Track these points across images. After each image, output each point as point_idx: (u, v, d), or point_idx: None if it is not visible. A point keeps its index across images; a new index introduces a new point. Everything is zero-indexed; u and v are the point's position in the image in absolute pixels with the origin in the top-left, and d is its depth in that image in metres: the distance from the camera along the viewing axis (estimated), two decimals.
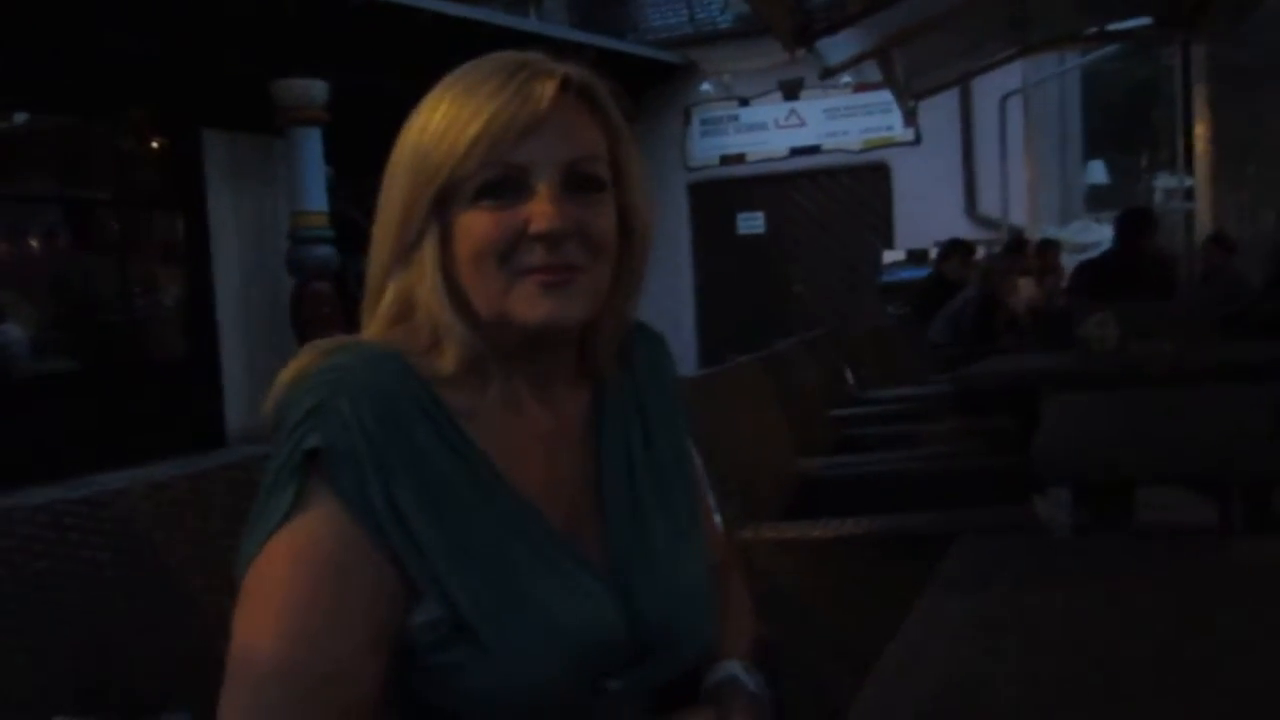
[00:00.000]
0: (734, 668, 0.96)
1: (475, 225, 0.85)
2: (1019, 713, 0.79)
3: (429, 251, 0.86)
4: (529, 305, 0.85)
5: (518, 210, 0.85)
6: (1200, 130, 7.61)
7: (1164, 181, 9.64)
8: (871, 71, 6.76)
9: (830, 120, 10.69)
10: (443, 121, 0.85)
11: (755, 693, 0.95)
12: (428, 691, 0.82)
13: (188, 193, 8.19)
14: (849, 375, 4.16)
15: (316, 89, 7.51)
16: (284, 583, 0.78)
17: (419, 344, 0.87)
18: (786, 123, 10.90)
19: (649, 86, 10.98)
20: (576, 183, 0.86)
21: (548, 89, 0.85)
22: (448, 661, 0.81)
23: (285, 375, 0.84)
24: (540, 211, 0.84)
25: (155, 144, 8.30)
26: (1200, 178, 7.76)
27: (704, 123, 11.23)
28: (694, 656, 0.93)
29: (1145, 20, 6.65)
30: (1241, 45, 6.78)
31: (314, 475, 0.79)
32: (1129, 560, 1.22)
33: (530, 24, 9.60)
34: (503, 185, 0.85)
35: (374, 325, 0.89)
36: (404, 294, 0.87)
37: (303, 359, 0.84)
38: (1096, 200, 10.53)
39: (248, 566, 0.79)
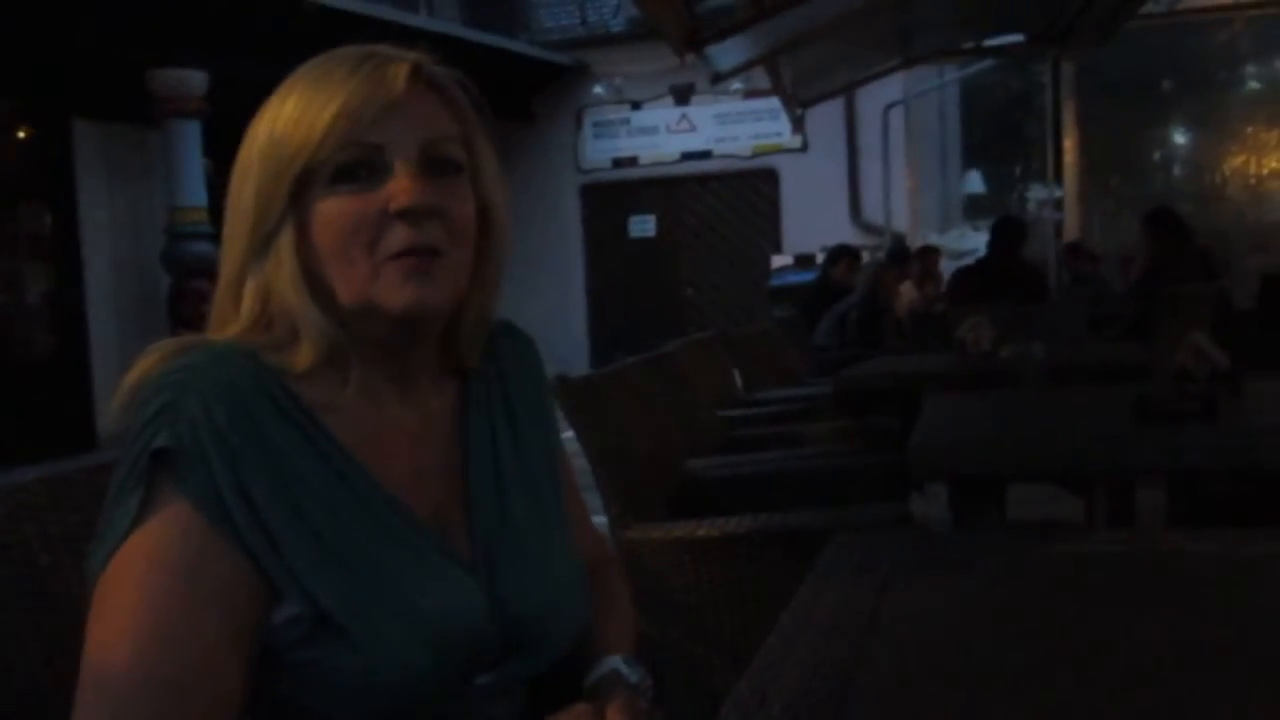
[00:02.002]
0: (614, 662, 0.97)
1: (335, 211, 0.84)
2: (886, 701, 0.82)
3: (285, 242, 0.85)
4: (393, 291, 0.84)
5: (377, 192, 0.85)
6: (1069, 143, 7.96)
7: (1036, 192, 10.06)
8: (761, 78, 6.87)
9: (721, 125, 10.83)
10: (295, 110, 0.84)
11: (635, 684, 0.96)
12: (295, 690, 0.81)
13: (56, 185, 7.82)
14: (737, 377, 4.21)
15: (195, 79, 7.25)
16: (136, 587, 0.76)
17: (274, 340, 0.85)
18: (678, 127, 11.00)
19: (541, 87, 10.94)
20: (434, 164, 0.87)
21: (400, 73, 0.86)
22: (312, 658, 0.80)
23: (130, 378, 0.82)
24: (400, 188, 0.84)
25: (21, 133, 7.91)
26: (1069, 188, 8.11)
27: (596, 125, 11.24)
28: (563, 649, 0.94)
29: (1019, 37, 6.92)
30: (1106, 63, 7.12)
31: (163, 477, 0.77)
32: (998, 553, 1.26)
33: (420, 20, 9.43)
34: (360, 167, 0.84)
35: (235, 325, 0.87)
36: (263, 290, 0.86)
37: (148, 360, 0.82)
38: (974, 209, 10.91)
39: (99, 573, 0.77)
